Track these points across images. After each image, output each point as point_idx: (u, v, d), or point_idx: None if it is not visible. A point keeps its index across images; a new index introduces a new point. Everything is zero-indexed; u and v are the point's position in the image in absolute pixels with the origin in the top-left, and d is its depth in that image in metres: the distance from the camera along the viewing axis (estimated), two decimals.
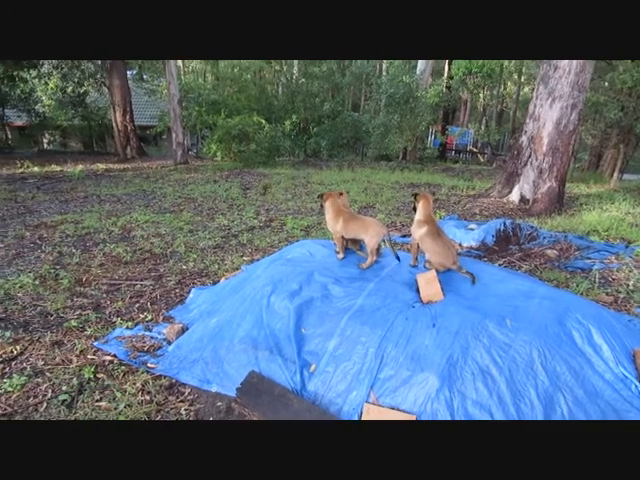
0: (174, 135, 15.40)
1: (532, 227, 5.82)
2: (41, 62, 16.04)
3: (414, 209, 3.39)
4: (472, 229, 5.84)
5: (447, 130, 21.61)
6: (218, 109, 17.37)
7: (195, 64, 34.21)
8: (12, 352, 3.32)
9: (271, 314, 3.03)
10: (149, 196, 9.56)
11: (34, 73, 16.94)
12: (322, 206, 3.66)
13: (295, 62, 24.55)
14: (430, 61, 18.84)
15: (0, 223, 7.13)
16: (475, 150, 23.86)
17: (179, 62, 22.05)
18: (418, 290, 2.98)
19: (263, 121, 16.70)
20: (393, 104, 16.66)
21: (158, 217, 7.30)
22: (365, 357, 2.59)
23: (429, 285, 2.91)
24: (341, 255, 3.51)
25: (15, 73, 16.28)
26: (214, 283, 4.52)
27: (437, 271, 3.07)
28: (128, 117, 16.72)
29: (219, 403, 2.74)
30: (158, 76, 25.76)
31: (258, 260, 5.13)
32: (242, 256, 5.38)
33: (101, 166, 14.69)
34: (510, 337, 2.48)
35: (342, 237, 3.45)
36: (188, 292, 4.33)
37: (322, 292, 3.10)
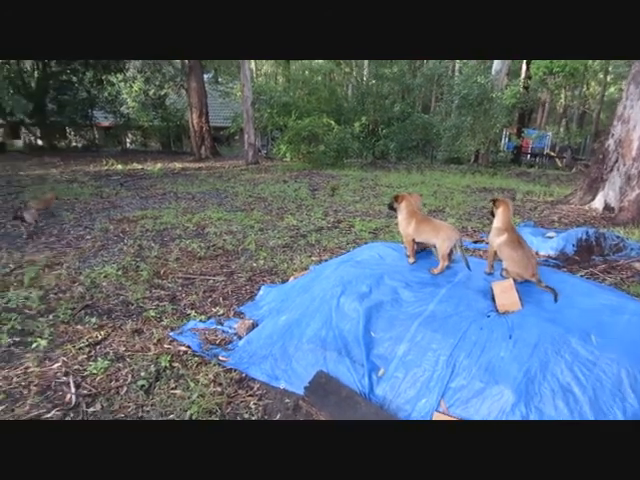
0: (246, 136, 15.86)
1: (618, 237, 5.43)
2: (127, 66, 17.08)
3: (492, 215, 3.27)
4: (550, 237, 5.55)
5: (523, 133, 20.68)
6: (289, 111, 17.69)
7: (267, 67, 35.11)
8: (97, 337, 3.56)
9: (340, 315, 3.03)
10: (222, 195, 9.90)
11: (120, 77, 18.10)
12: (394, 208, 3.61)
13: (365, 64, 24.50)
14: (506, 61, 18.15)
15: (87, 216, 7.67)
16: (553, 154, 22.66)
17: (252, 65, 22.68)
18: (493, 299, 2.86)
19: (332, 122, 16.81)
20: (466, 106, 16.20)
21: (230, 215, 7.54)
22: (436, 365, 2.53)
23: (505, 294, 2.79)
24: (412, 259, 3.45)
25: (103, 77, 17.46)
26: (283, 281, 4.60)
27: (514, 280, 2.94)
28: (204, 118, 17.42)
29: (287, 400, 2.79)
30: (232, 79, 26.69)
31: (326, 261, 5.16)
32: (310, 256, 5.44)
33: (178, 165, 15.41)
34: (595, 354, 2.33)
35: (413, 240, 3.39)
36: (258, 289, 4.44)
37: (392, 296, 3.06)
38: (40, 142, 18.88)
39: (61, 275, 4.78)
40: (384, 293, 3.09)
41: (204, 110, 17.51)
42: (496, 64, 18.09)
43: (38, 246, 5.97)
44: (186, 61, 17.29)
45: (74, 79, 17.44)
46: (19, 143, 19.61)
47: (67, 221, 7.31)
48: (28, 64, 16.04)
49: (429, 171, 14.99)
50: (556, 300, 2.84)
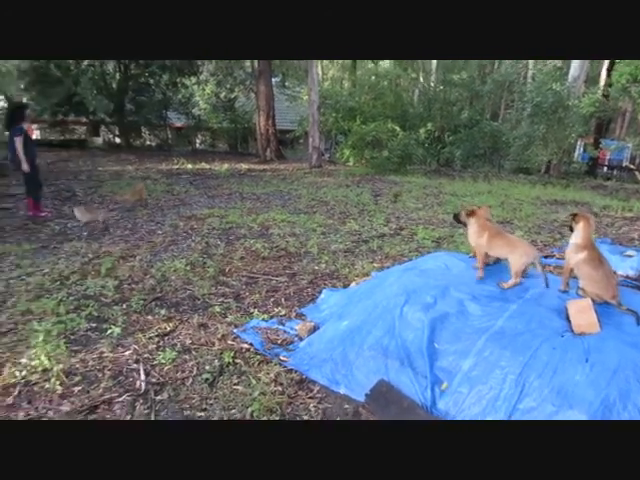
0: (311, 139, 16.03)
1: None
2: (200, 70, 17.76)
3: (570, 230, 3.12)
4: (630, 256, 5.20)
5: (601, 143, 19.53)
6: (354, 115, 17.70)
7: (333, 72, 35.33)
8: (165, 328, 3.72)
9: (403, 324, 2.99)
10: (285, 197, 10.06)
11: (194, 80, 18.86)
12: (461, 221, 3.53)
13: (433, 69, 24.11)
14: (584, 67, 17.24)
15: (159, 212, 8.04)
16: (633, 167, 21.24)
17: (318, 69, 22.89)
18: (568, 318, 2.73)
19: (397, 128, 16.64)
20: (539, 113, 15.51)
21: (293, 217, 7.65)
22: (503, 383, 2.44)
23: (582, 314, 2.65)
24: (481, 274, 3.34)
25: (178, 80, 18.26)
26: (344, 286, 4.60)
27: (592, 301, 2.78)
28: (270, 121, 17.79)
29: (346, 406, 2.78)
30: (299, 83, 27.09)
31: (388, 268, 5.11)
32: (372, 262, 5.41)
33: (244, 166, 15.82)
34: None
35: (486, 253, 3.29)
36: (319, 292, 4.47)
37: (458, 308, 2.99)
38: (118, 140, 20.03)
39: (134, 267, 5.04)
40: (449, 305, 3.02)
41: (271, 113, 17.88)
42: (573, 70, 17.22)
43: (114, 238, 6.33)
44: (256, 65, 17.74)
45: (151, 81, 18.38)
46: (99, 140, 20.88)
47: (140, 216, 7.69)
48: (110, 66, 17.06)
49: (496, 180, 14.50)
50: (639, 324, 2.67)
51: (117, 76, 17.93)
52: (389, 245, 6.15)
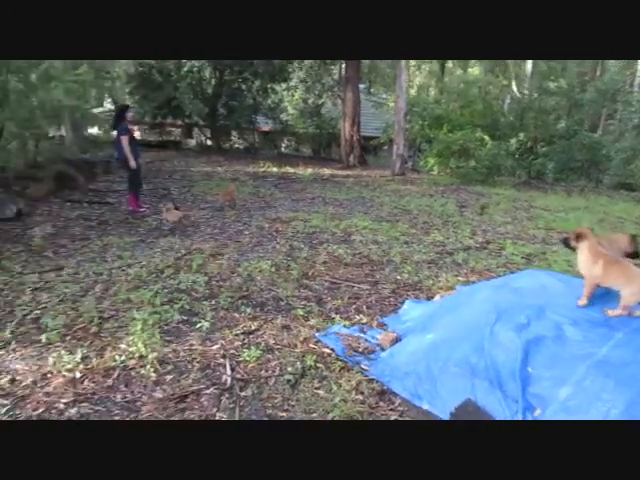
0: (395, 147, 15.90)
1: None
2: (291, 76, 18.23)
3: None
4: None
5: None
6: (441, 123, 17.31)
7: (419, 79, 34.86)
8: (250, 327, 3.84)
9: (493, 344, 2.86)
10: (367, 203, 10.04)
11: (284, 86, 19.42)
12: (569, 246, 3.29)
13: (528, 76, 23.00)
14: None
15: (246, 213, 8.34)
16: None
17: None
18: None
19: (486, 137, 16.05)
20: None
21: (376, 225, 7.61)
22: (606, 417, 2.25)
23: None
24: (584, 302, 3.06)
25: (269, 86, 18.88)
26: (428, 298, 4.50)
27: None
28: (355, 128, 17.86)
29: None
30: (386, 90, 27.01)
31: (474, 282, 4.94)
32: (457, 275, 5.24)
33: (327, 171, 16.01)
34: None
35: (597, 284, 3.02)
36: (401, 302, 4.41)
37: (555, 332, 2.81)
38: (209, 142, 21.07)
39: (222, 265, 5.26)
40: (546, 327, 2.85)
41: (356, 120, 17.95)
42: None
43: (204, 236, 6.66)
44: (343, 72, 17.91)
45: (244, 87, 19.17)
46: (192, 142, 22.10)
47: (228, 216, 8.03)
48: (207, 72, 17.99)
49: (593, 196, 13.54)
50: None
51: (212, 82, 18.87)
52: (475, 259, 5.93)
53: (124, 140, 7.60)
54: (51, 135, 13.47)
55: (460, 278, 5.17)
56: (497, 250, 6.50)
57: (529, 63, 22.62)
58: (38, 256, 5.57)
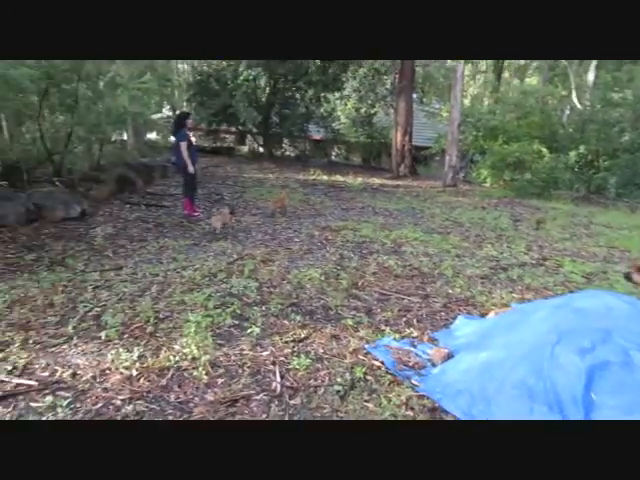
0: (447, 157, 15.65)
1: None
2: (344, 85, 18.34)
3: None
4: None
5: None
6: (496, 135, 16.89)
7: (473, 89, 34.19)
8: (300, 335, 3.84)
9: (554, 367, 2.74)
10: (418, 214, 9.92)
11: (337, 95, 19.57)
12: (632, 280, 3.11)
13: (589, 86, 22.08)
14: None
15: (296, 221, 8.43)
16: None
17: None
18: None
19: (544, 150, 15.52)
20: None
21: (426, 237, 7.50)
22: None
23: None
24: None
25: (322, 95, 19.07)
26: (481, 314, 4.38)
27: None
28: (407, 137, 17.73)
29: None
30: (439, 99, 26.67)
31: (529, 300, 4.77)
32: (511, 292, 5.07)
33: (376, 180, 15.96)
34: None
35: None
36: (453, 317, 4.31)
37: (622, 358, 2.65)
38: (261, 149, 21.47)
39: (273, 271, 5.32)
40: (612, 352, 2.69)
41: (409, 129, 17.82)
42: None
43: (255, 242, 6.77)
44: (397, 81, 17.83)
45: (297, 96, 19.47)
46: (244, 149, 22.62)
47: (279, 223, 8.13)
48: (262, 81, 18.39)
49: None
50: None
51: (267, 90, 19.26)
52: (531, 276, 5.72)
53: (183, 146, 7.86)
54: (113, 139, 14.13)
55: (515, 295, 4.99)
56: (554, 267, 6.25)
57: (591, 73, 21.73)
58: (99, 255, 5.83)
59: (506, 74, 29.89)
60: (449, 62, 29.51)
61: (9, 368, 3.13)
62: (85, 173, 9.65)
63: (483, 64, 32.42)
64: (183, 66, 25.28)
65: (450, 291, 5.04)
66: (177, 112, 18.67)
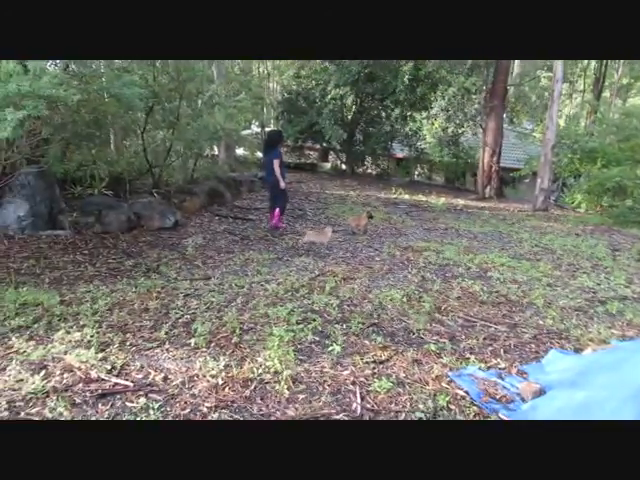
0: (539, 180, 14.87)
1: None
2: (432, 105, 18.15)
3: None
4: None
5: None
6: (594, 158, 15.83)
7: (569, 109, 32.32)
8: (381, 356, 3.79)
9: None
10: (505, 238, 9.49)
11: (424, 114, 19.39)
12: None
13: None
14: None
15: (377, 239, 8.39)
16: None
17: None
18: None
19: None
20: None
21: (514, 262, 7.14)
22: None
23: None
24: None
25: (409, 114, 18.98)
26: (576, 350, 4.07)
27: None
28: (495, 158, 17.13)
29: None
30: (530, 120, 25.52)
31: (631, 338, 4.39)
32: (611, 328, 4.68)
33: (460, 202, 15.52)
34: None
35: None
36: (544, 351, 4.05)
37: None
38: (344, 167, 21.70)
39: (354, 290, 5.32)
40: None
41: (497, 150, 17.22)
42: None
43: (337, 259, 6.82)
44: (487, 100, 17.34)
45: (383, 114, 19.52)
46: (327, 166, 22.99)
47: (360, 241, 8.14)
48: (349, 100, 18.65)
49: None
50: None
51: (353, 109, 19.51)
52: (633, 311, 5.24)
53: (276, 164, 8.16)
54: (206, 154, 14.97)
55: (615, 331, 4.60)
56: None
57: None
58: (190, 264, 6.16)
59: (606, 93, 27.99)
60: (543, 81, 28.28)
61: (108, 367, 3.37)
62: (180, 185, 10.29)
63: (581, 83, 30.69)
64: (273, 85, 26.35)
65: (541, 322, 4.75)
66: (266, 129, 19.46)
